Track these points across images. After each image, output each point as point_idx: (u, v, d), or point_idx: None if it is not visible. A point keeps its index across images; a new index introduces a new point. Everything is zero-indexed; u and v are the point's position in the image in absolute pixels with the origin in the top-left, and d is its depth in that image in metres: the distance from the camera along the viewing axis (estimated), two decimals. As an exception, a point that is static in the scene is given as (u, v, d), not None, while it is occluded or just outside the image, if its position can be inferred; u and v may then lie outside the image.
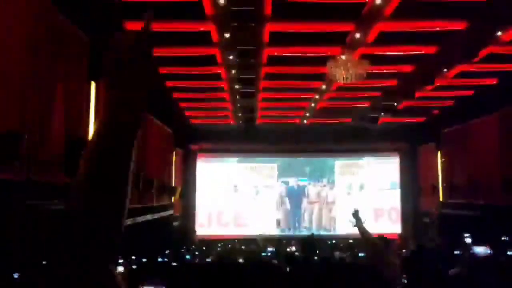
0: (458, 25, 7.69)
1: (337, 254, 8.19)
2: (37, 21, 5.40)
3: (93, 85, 7.44)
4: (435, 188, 15.52)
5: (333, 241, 14.57)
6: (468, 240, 10.24)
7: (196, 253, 11.61)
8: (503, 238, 9.73)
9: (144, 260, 8.77)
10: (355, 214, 4.07)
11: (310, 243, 6.37)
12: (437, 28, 7.80)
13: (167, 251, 11.18)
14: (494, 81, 10.89)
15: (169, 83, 11.16)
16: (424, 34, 7.97)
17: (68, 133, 6.34)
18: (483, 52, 8.66)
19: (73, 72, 6.62)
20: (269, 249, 10.64)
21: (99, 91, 7.66)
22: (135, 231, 9.83)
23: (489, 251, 7.84)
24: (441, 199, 15.32)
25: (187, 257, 10.22)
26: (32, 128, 5.36)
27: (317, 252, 7.90)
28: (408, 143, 17.74)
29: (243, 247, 13.21)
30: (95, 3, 6.65)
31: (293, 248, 9.80)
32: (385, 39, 8.19)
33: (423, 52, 8.95)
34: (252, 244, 13.84)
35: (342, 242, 13.76)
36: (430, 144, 16.30)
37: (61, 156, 6.00)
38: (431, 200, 16.03)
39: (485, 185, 12.28)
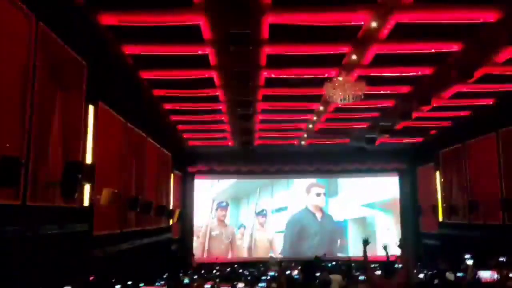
0: (454, 47, 7.77)
1: (336, 277, 8.06)
2: (35, 46, 5.44)
3: (91, 108, 7.46)
4: (435, 208, 15.45)
5: (334, 263, 14.38)
6: (470, 262, 10.13)
7: (195, 277, 11.45)
8: (501, 259, 9.62)
9: (141, 285, 8.64)
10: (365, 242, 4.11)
11: (309, 266, 6.30)
12: (433, 50, 7.88)
13: (165, 275, 11.03)
14: (491, 101, 10.96)
15: (167, 106, 11.20)
16: (420, 55, 8.05)
17: (66, 157, 6.32)
18: (479, 73, 8.75)
19: (71, 96, 6.64)
20: (270, 273, 10.49)
21: (97, 114, 7.69)
22: (133, 254, 9.72)
23: (496, 276, 7.70)
24: (440, 219, 15.24)
25: (185, 281, 10.07)
26: (31, 153, 5.35)
27: (318, 275, 7.80)
28: (407, 163, 17.76)
29: (240, 270, 13.03)
30: (93, 28, 6.72)
31: (295, 272, 9.67)
32: (382, 60, 8.26)
33: (419, 73, 9.02)
34: (252, 268, 13.66)
35: (343, 264, 13.57)
36: (429, 165, 16.30)
37: (59, 180, 5.96)
38: (431, 221, 15.94)
39: (484, 205, 12.22)
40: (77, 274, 6.82)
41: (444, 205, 15.00)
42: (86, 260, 7.15)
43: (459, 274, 8.70)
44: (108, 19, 6.62)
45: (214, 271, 13.09)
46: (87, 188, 7.15)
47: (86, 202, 7.19)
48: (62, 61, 6.28)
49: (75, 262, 6.71)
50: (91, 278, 7.34)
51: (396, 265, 5.74)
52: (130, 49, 7.71)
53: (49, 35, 5.83)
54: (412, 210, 17.56)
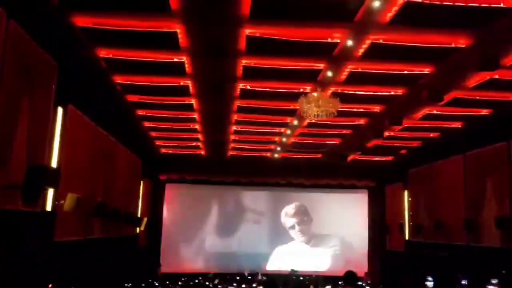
0: (425, 69, 7.94)
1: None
2: (5, 44, 5.27)
3: (60, 110, 7.27)
4: (402, 226, 15.68)
5: (301, 278, 14.36)
6: (430, 284, 10.27)
7: None
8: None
9: (103, 294, 8.41)
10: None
11: (270, 284, 6.26)
12: (405, 71, 8.04)
13: (129, 285, 10.77)
14: (459, 125, 11.25)
15: (140, 112, 11.04)
16: (393, 76, 8.19)
17: (31, 160, 6.11)
18: (449, 96, 8.98)
19: (40, 97, 6.44)
20: None
21: (66, 117, 7.49)
22: (97, 263, 9.44)
23: None
24: (407, 237, 15.46)
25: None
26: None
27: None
28: (376, 181, 18.00)
29: (207, 283, 12.85)
30: (66, 29, 6.57)
31: None
32: (356, 79, 8.38)
33: (392, 93, 9.18)
34: (217, 280, 13.49)
35: (309, 280, 13.59)
36: (397, 183, 16.57)
37: (20, 183, 5.75)
38: (398, 239, 16.15)
39: (449, 226, 12.48)
40: (36, 281, 6.56)
41: (411, 223, 15.24)
42: (45, 267, 6.89)
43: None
44: (82, 21, 6.48)
45: (180, 283, 12.86)
46: (50, 192, 6.92)
47: (48, 207, 6.96)
48: (33, 60, 6.11)
49: (34, 268, 6.47)
50: (50, 286, 7.08)
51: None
52: (104, 52, 7.57)
53: (20, 33, 5.66)
54: (380, 227, 17.77)
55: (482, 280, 10.02)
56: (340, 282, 5.63)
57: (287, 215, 18.25)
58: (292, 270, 15.52)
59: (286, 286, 8.59)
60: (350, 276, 4.55)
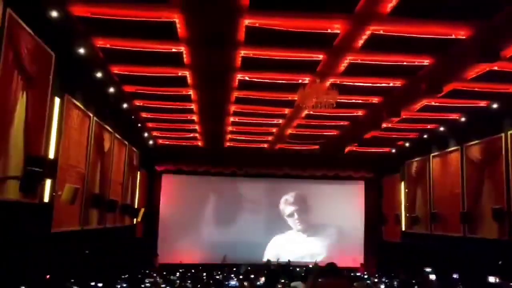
0: (425, 60, 7.91)
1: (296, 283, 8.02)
2: (1, 33, 5.19)
3: (57, 101, 7.20)
4: (398, 218, 15.75)
5: (298, 269, 14.40)
6: (432, 276, 10.32)
7: (157, 278, 11.23)
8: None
9: (100, 285, 8.40)
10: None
11: (272, 274, 6.28)
12: (405, 63, 8.00)
13: (126, 275, 10.78)
14: (457, 116, 11.25)
15: (137, 102, 10.96)
16: (392, 67, 8.15)
17: (28, 150, 6.06)
18: (448, 88, 8.96)
19: (37, 87, 6.37)
20: (231, 282, 10.37)
21: (63, 107, 7.42)
22: (93, 253, 9.43)
23: None
24: (403, 228, 15.54)
25: (147, 283, 9.86)
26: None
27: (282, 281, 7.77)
28: (373, 172, 18.03)
29: (204, 274, 12.88)
30: (64, 18, 6.48)
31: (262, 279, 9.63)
32: (355, 70, 8.33)
33: (390, 84, 9.15)
34: (215, 271, 13.52)
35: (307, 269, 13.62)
36: (394, 175, 16.61)
37: (19, 174, 5.71)
38: (394, 230, 16.23)
39: (445, 217, 12.55)
40: (33, 272, 6.55)
41: (407, 215, 15.31)
42: (42, 258, 6.86)
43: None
44: (80, 10, 6.39)
45: (178, 274, 12.88)
46: (48, 183, 6.88)
47: (46, 198, 6.92)
48: (30, 50, 6.03)
49: (31, 259, 6.44)
50: (47, 277, 7.06)
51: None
52: (101, 42, 7.49)
53: (17, 22, 5.58)
54: (376, 218, 17.84)
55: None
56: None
57: (287, 202, 18.29)
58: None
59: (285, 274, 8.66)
60: (331, 269, 4.54)
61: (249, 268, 13.37)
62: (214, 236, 17.46)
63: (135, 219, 14.24)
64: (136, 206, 14.33)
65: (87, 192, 9.14)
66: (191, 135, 14.55)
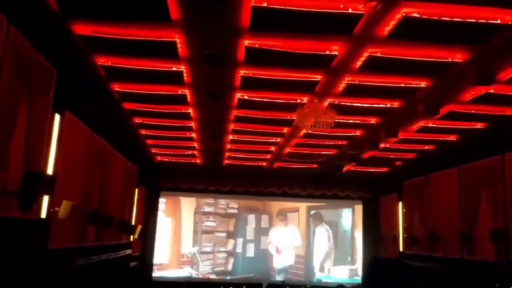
0: (422, 83, 8.01)
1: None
2: (4, 49, 5.27)
3: (57, 117, 7.25)
4: (396, 238, 15.69)
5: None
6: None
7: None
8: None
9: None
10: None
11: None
12: (402, 84, 8.10)
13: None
14: (454, 138, 11.32)
15: (137, 120, 11.03)
16: (389, 88, 8.25)
17: (27, 166, 6.09)
18: (445, 110, 9.05)
19: (38, 103, 6.43)
20: None
21: (63, 124, 7.47)
22: (89, 271, 9.37)
23: None
24: (401, 249, 15.46)
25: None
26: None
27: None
28: (371, 192, 18.03)
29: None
30: (66, 36, 6.58)
31: None
32: (353, 91, 8.43)
33: (388, 105, 9.24)
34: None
35: None
36: (392, 195, 16.60)
37: (16, 190, 5.72)
38: (392, 250, 16.14)
39: (444, 238, 12.50)
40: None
41: (405, 235, 15.25)
42: (39, 275, 6.83)
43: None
44: (82, 29, 6.50)
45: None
46: (45, 199, 6.88)
47: (43, 214, 6.91)
48: (31, 66, 6.10)
49: (27, 276, 6.41)
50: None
51: None
52: (103, 60, 7.58)
53: (19, 39, 5.66)
54: (373, 238, 17.77)
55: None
56: None
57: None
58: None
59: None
60: None
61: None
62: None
63: (131, 236, 14.15)
64: (133, 223, 14.27)
65: (85, 208, 9.13)
66: (190, 152, 14.59)
